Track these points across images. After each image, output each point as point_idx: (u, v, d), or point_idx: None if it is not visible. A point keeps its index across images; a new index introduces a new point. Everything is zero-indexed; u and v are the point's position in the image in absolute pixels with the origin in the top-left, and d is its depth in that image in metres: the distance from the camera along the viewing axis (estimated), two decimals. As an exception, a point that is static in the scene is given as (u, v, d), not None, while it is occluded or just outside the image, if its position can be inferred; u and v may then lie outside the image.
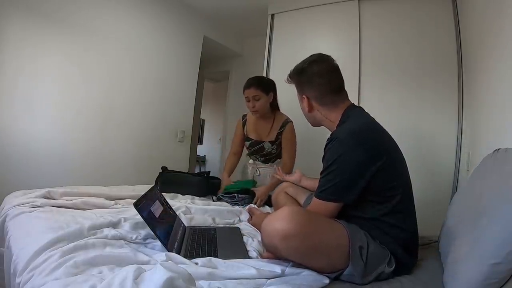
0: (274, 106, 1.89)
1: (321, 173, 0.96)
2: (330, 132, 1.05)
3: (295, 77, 1.11)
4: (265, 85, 1.79)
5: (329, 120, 1.07)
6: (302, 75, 1.08)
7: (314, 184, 1.32)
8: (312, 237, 0.81)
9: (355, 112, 1.04)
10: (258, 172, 1.94)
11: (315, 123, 1.14)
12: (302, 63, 1.10)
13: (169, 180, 1.74)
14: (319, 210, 0.93)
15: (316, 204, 0.95)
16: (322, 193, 0.93)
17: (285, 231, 0.78)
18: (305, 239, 0.80)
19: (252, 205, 1.56)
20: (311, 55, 1.11)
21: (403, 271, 0.90)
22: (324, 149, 0.98)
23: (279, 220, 0.80)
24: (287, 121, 1.84)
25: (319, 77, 1.05)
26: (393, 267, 0.87)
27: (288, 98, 2.29)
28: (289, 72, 1.14)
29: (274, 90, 1.85)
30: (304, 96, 1.08)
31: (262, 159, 1.93)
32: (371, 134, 0.95)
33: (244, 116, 1.97)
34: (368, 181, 0.88)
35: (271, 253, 0.88)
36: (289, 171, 1.75)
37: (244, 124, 1.95)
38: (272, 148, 1.85)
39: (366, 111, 1.07)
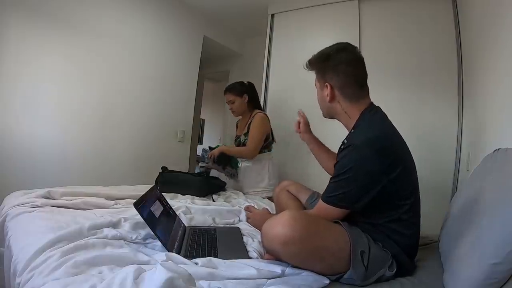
0: (254, 105, 2.12)
1: (332, 178, 0.94)
2: (339, 130, 1.02)
3: (318, 64, 1.04)
4: (237, 89, 2.07)
5: (347, 115, 1.02)
6: (328, 61, 1.02)
7: (323, 150, 1.30)
8: (313, 243, 0.80)
9: (374, 115, 1.00)
10: (240, 164, 2.08)
11: (330, 114, 1.08)
12: (328, 49, 1.04)
13: (168, 181, 1.74)
14: (325, 214, 0.91)
15: (322, 208, 0.93)
16: (331, 198, 0.91)
17: (286, 236, 0.77)
18: (306, 244, 0.79)
19: (252, 205, 1.56)
20: (338, 43, 1.06)
21: (404, 273, 0.90)
22: (338, 153, 0.96)
23: (280, 225, 0.79)
24: (257, 113, 2.04)
25: (346, 65, 1.00)
26: (394, 271, 0.87)
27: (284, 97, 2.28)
28: (309, 58, 1.07)
29: (248, 91, 2.09)
30: (327, 84, 1.02)
31: None
32: (388, 143, 0.91)
33: (237, 122, 2.27)
34: (379, 190, 0.87)
35: (272, 255, 0.88)
36: (248, 154, 1.96)
37: (236, 126, 2.26)
38: (244, 139, 2.04)
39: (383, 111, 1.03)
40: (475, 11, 1.61)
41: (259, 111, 2.09)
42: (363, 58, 1.04)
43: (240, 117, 2.20)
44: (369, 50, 2.17)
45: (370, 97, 1.06)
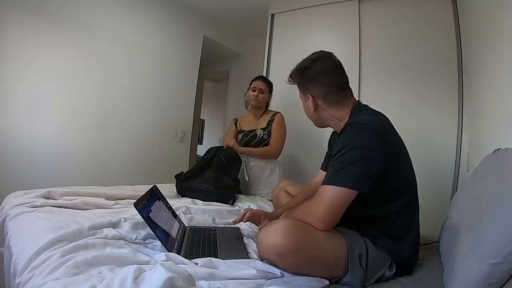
0: (266, 105, 2.18)
1: (332, 160, 0.87)
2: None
3: (298, 77, 1.08)
4: (270, 85, 2.16)
5: (336, 119, 1.03)
6: (305, 74, 1.05)
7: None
8: (309, 252, 0.79)
9: (363, 110, 1.00)
10: (249, 165, 2.01)
11: (321, 123, 1.10)
12: (304, 62, 1.07)
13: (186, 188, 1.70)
14: (332, 200, 0.81)
15: (327, 192, 0.82)
16: (334, 177, 0.82)
17: (281, 248, 0.76)
18: (302, 254, 0.78)
19: (252, 207, 1.55)
20: (313, 53, 1.08)
21: (404, 272, 0.90)
22: (335, 139, 0.94)
23: (274, 236, 0.78)
24: (277, 112, 2.10)
25: (324, 74, 1.02)
26: (394, 270, 0.87)
27: (286, 98, 2.29)
28: (290, 72, 1.10)
29: (271, 92, 2.17)
30: (308, 95, 1.05)
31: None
32: (381, 126, 0.91)
33: (235, 119, 2.23)
34: (381, 170, 0.84)
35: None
36: (274, 153, 1.98)
37: (236, 123, 2.18)
38: (264, 134, 2.01)
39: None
40: (475, 11, 1.61)
41: (277, 111, 2.10)
42: (339, 63, 1.05)
43: (246, 113, 2.19)
44: (369, 50, 2.18)
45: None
